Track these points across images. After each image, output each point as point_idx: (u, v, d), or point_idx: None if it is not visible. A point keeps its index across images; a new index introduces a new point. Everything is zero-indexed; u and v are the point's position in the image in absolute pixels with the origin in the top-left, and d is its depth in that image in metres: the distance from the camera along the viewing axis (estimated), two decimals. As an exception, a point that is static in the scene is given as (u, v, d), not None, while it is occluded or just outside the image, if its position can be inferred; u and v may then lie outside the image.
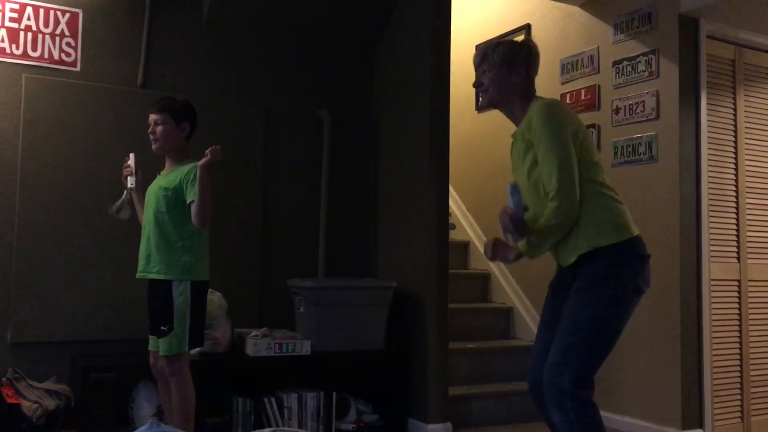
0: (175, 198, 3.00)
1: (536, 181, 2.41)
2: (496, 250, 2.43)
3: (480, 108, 2.55)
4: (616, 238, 2.32)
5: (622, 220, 2.37)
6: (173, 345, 2.98)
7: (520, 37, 5.06)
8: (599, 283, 2.31)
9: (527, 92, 2.51)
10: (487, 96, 2.55)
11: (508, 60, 2.48)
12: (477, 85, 2.58)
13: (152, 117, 3.10)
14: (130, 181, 3.17)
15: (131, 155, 3.20)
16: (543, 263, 4.71)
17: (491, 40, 2.58)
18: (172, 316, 2.97)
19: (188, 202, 2.97)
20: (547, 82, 4.77)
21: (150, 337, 3.14)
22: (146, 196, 3.14)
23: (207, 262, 3.11)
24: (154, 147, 3.12)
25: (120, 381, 3.52)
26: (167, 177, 3.07)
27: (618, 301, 2.31)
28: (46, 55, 3.64)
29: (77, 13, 3.72)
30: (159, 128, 3.08)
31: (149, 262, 3.05)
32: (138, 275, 3.13)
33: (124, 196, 3.20)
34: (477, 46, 2.54)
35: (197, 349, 3.28)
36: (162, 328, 2.99)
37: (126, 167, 3.19)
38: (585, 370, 2.29)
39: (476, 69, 2.57)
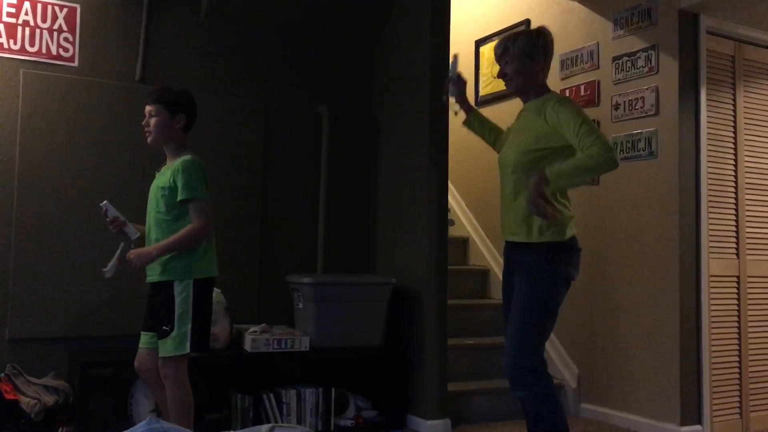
0: (172, 197, 2.90)
1: (529, 150, 2.66)
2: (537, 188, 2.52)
3: (510, 92, 2.81)
4: (550, 239, 2.62)
5: (562, 224, 2.63)
6: (173, 346, 2.86)
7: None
8: (537, 272, 2.63)
9: (543, 81, 2.77)
10: (513, 84, 2.77)
11: (529, 51, 2.70)
12: (501, 75, 2.79)
13: (147, 108, 2.99)
14: (131, 231, 2.94)
15: (106, 205, 2.94)
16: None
17: (509, 32, 2.92)
18: (174, 316, 2.86)
19: (178, 200, 2.88)
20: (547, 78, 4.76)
21: (142, 334, 3.04)
22: (148, 196, 3.05)
23: (211, 258, 2.98)
24: (148, 140, 3.00)
25: (119, 377, 3.51)
26: (164, 175, 2.97)
27: (552, 287, 2.62)
28: (44, 50, 3.63)
29: (75, 8, 3.71)
30: (153, 120, 2.95)
31: (153, 265, 2.94)
32: (147, 279, 3.03)
33: (120, 250, 2.97)
34: (499, 40, 2.82)
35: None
36: (164, 328, 2.88)
37: (113, 220, 2.93)
38: (537, 346, 2.62)
39: (498, 60, 2.78)
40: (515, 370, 2.61)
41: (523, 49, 2.70)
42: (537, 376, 2.59)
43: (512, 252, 2.77)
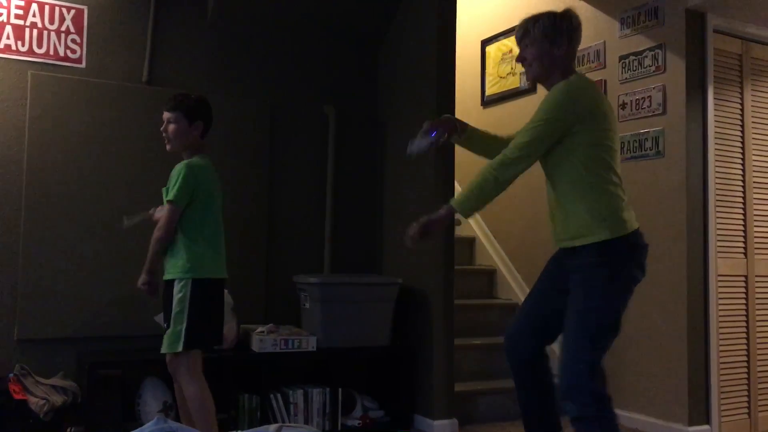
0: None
1: (554, 159, 2.44)
2: (425, 228, 2.43)
3: (529, 82, 2.62)
4: (610, 235, 2.34)
5: (620, 216, 2.37)
6: (167, 344, 2.90)
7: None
8: (597, 275, 2.35)
9: (569, 67, 2.49)
10: (531, 70, 2.53)
11: (549, 33, 2.46)
12: (520, 59, 2.55)
13: (165, 115, 3.02)
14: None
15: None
16: (547, 258, 4.71)
17: (532, 15, 2.61)
18: (171, 314, 2.92)
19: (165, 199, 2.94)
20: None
21: None
22: None
23: (214, 259, 2.98)
24: (167, 146, 3.04)
25: (126, 377, 3.53)
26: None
27: (614, 293, 2.35)
28: (51, 52, 3.64)
29: (82, 10, 3.72)
30: (171, 127, 2.99)
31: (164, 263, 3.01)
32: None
33: (152, 210, 3.15)
34: (521, 22, 2.59)
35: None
36: (165, 325, 2.96)
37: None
38: (597, 360, 2.33)
39: (518, 43, 2.55)
40: (570, 391, 2.33)
41: (543, 31, 2.46)
42: (595, 398, 2.30)
43: (566, 255, 2.50)
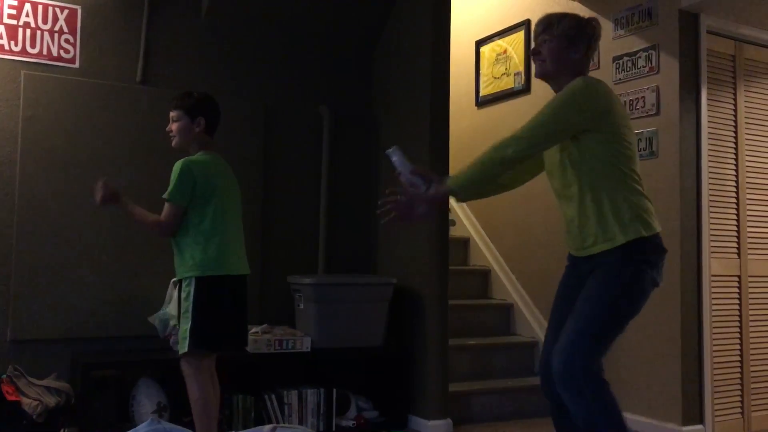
0: None
1: (565, 161, 2.36)
2: (408, 208, 2.34)
3: (536, 76, 2.52)
4: (635, 235, 2.28)
5: (645, 217, 2.31)
6: (179, 344, 2.92)
7: (520, 33, 5.06)
8: (617, 270, 2.29)
9: (581, 71, 2.43)
10: (543, 67, 2.45)
11: (571, 34, 2.40)
12: (535, 52, 2.47)
13: (170, 114, 3.06)
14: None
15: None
16: (544, 261, 4.73)
17: (550, 15, 2.48)
18: (179, 314, 2.93)
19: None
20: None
21: None
22: None
23: (220, 256, 2.93)
24: (172, 143, 3.08)
25: (120, 378, 3.53)
26: None
27: (633, 289, 2.29)
28: (44, 52, 3.63)
29: (76, 10, 3.71)
30: (174, 125, 3.04)
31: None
32: None
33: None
34: (544, 15, 2.49)
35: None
36: (175, 325, 2.98)
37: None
38: (597, 350, 2.27)
39: (537, 37, 2.47)
40: (565, 366, 2.23)
41: (566, 31, 2.39)
42: (589, 377, 2.23)
43: (586, 262, 2.40)
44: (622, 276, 2.28)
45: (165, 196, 2.91)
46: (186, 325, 2.88)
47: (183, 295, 2.93)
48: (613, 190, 2.31)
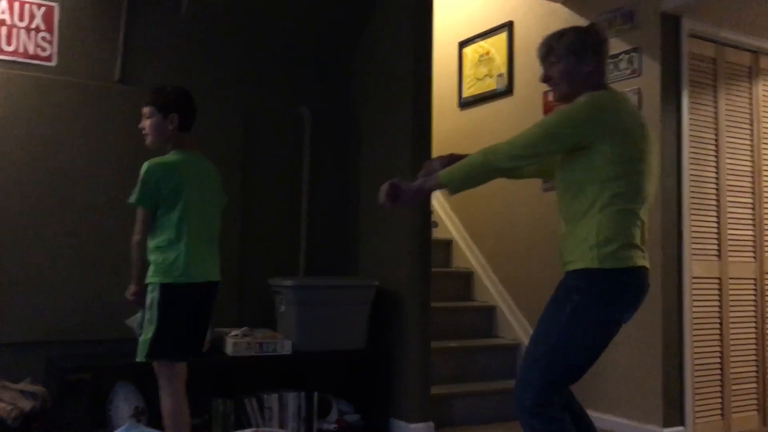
0: None
1: (568, 176, 2.27)
2: (398, 192, 2.31)
3: (555, 101, 2.44)
4: (593, 264, 2.15)
5: (615, 246, 2.15)
6: (138, 352, 2.82)
7: (503, 35, 5.06)
8: (566, 298, 2.18)
9: (598, 83, 2.32)
10: (559, 90, 2.35)
11: (576, 49, 2.30)
12: (545, 79, 2.38)
13: (142, 111, 2.96)
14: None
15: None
16: (526, 263, 4.72)
17: (554, 32, 2.40)
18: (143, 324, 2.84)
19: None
20: (530, 80, 4.76)
21: None
22: None
23: (187, 261, 2.81)
24: (146, 142, 2.97)
25: (97, 382, 3.46)
26: None
27: (583, 323, 2.15)
28: (20, 50, 3.57)
29: (53, 7, 3.66)
30: (147, 122, 2.93)
31: None
32: None
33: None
34: (543, 40, 2.40)
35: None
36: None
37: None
38: (546, 387, 2.16)
39: (542, 62, 2.38)
40: (517, 405, 2.20)
41: (569, 46, 2.29)
42: (541, 416, 2.15)
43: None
44: (570, 309, 2.15)
45: (131, 200, 2.83)
46: (149, 334, 2.79)
47: (147, 301, 2.83)
48: (597, 212, 2.17)
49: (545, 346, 2.18)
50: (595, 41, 2.33)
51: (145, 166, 2.84)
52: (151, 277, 2.83)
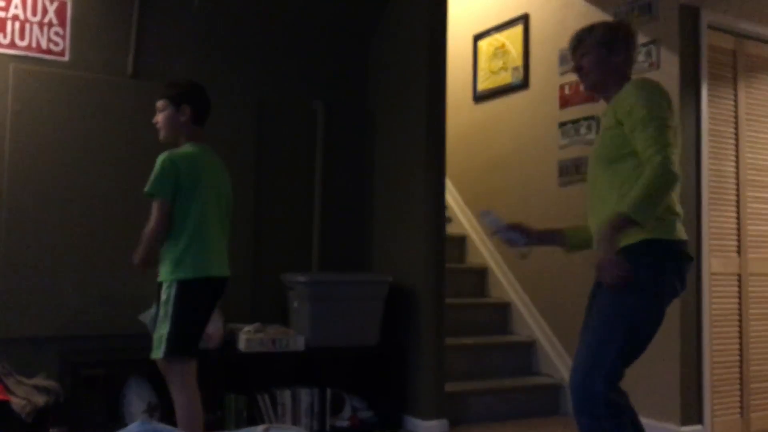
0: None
1: (604, 159, 2.29)
2: (610, 266, 2.17)
3: (586, 91, 2.50)
4: (654, 235, 2.18)
5: (665, 218, 2.21)
6: (153, 349, 2.79)
7: (518, 28, 5.01)
8: (634, 279, 2.17)
9: (626, 74, 2.40)
10: (588, 79, 2.42)
11: (607, 41, 2.38)
12: (577, 68, 2.45)
13: (156, 104, 2.94)
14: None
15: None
16: (542, 258, 4.67)
17: (585, 26, 2.48)
18: (156, 319, 2.82)
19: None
20: (545, 73, 4.71)
21: None
22: None
23: (202, 256, 2.79)
24: (159, 136, 2.95)
25: (110, 377, 3.47)
26: None
27: (651, 299, 2.23)
28: (34, 45, 3.57)
29: (65, 2, 3.65)
30: (160, 115, 2.91)
31: None
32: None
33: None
34: (573, 33, 2.48)
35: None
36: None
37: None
38: (615, 370, 2.23)
39: (573, 54, 2.46)
40: (582, 393, 2.19)
41: (600, 39, 2.38)
42: (609, 408, 2.18)
43: None
44: (641, 281, 2.17)
45: (146, 190, 2.77)
46: (164, 330, 2.76)
47: (163, 297, 2.79)
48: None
49: (611, 329, 2.21)
50: (625, 33, 2.42)
51: (162, 156, 2.79)
52: (169, 275, 2.79)
